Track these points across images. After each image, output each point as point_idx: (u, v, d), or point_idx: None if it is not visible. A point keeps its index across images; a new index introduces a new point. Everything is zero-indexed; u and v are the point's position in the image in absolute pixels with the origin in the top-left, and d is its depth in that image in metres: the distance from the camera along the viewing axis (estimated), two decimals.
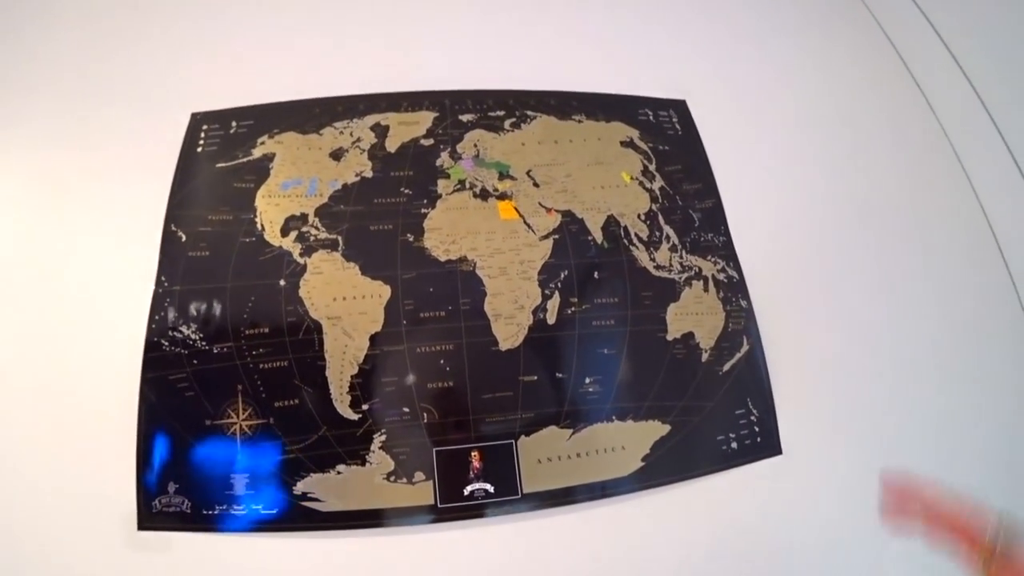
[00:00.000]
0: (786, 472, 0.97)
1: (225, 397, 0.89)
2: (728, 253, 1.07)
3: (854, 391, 1.03)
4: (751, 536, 0.94)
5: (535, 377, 0.94)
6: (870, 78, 1.32)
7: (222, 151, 1.05)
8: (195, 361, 0.90)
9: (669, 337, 0.99)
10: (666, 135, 1.15)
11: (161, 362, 0.90)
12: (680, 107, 1.19)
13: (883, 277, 1.12)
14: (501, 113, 1.12)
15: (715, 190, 1.11)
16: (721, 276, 1.05)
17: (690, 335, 1.00)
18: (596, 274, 1.01)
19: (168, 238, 0.97)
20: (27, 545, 0.85)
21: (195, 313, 0.93)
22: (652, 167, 1.12)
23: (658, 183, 1.10)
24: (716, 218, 1.09)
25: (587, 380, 0.95)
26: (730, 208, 1.10)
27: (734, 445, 0.96)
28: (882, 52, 1.37)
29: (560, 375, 0.94)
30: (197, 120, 1.08)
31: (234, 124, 1.08)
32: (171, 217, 0.99)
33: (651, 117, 1.17)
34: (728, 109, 1.21)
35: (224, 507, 0.85)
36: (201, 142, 1.06)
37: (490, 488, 0.88)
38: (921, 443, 1.03)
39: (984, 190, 1.20)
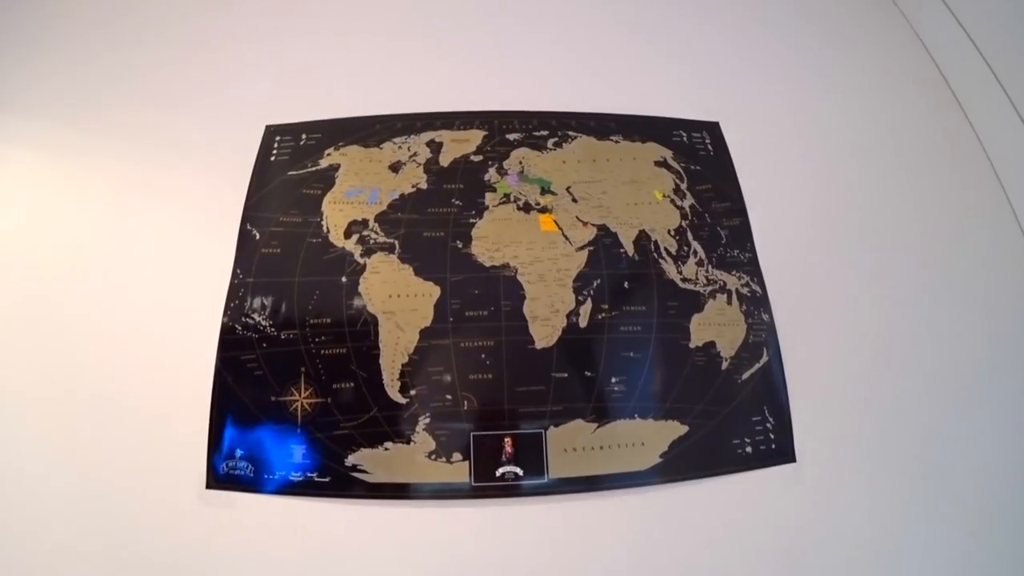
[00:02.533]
0: (799, 480, 1.00)
1: (289, 377, 1.00)
2: (753, 269, 1.11)
3: (871, 406, 1.05)
4: (759, 536, 0.97)
5: (566, 374, 1.01)
6: (902, 96, 1.32)
7: (293, 160, 1.17)
8: (264, 344, 1.02)
9: (691, 345, 1.05)
10: (698, 156, 1.21)
11: (235, 344, 1.02)
12: (713, 129, 1.24)
13: (904, 294, 1.13)
14: (545, 133, 1.20)
15: (743, 209, 1.16)
16: (745, 290, 1.10)
17: (711, 344, 1.05)
18: (626, 284, 1.08)
19: (244, 236, 1.10)
20: (113, 494, 0.97)
21: (266, 303, 1.04)
22: (684, 186, 1.18)
23: (688, 201, 1.16)
24: (743, 235, 1.14)
25: (613, 380, 1.02)
26: (757, 226, 1.15)
27: (749, 450, 1.00)
28: (919, 68, 1.35)
29: (589, 374, 1.02)
30: (271, 132, 1.21)
31: (304, 136, 1.20)
32: (247, 217, 1.11)
33: (684, 138, 1.22)
34: (759, 131, 1.25)
35: (283, 473, 0.96)
36: (274, 152, 1.18)
37: (519, 471, 0.96)
38: (938, 461, 1.03)
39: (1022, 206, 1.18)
